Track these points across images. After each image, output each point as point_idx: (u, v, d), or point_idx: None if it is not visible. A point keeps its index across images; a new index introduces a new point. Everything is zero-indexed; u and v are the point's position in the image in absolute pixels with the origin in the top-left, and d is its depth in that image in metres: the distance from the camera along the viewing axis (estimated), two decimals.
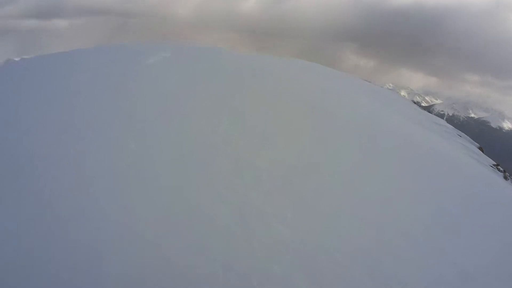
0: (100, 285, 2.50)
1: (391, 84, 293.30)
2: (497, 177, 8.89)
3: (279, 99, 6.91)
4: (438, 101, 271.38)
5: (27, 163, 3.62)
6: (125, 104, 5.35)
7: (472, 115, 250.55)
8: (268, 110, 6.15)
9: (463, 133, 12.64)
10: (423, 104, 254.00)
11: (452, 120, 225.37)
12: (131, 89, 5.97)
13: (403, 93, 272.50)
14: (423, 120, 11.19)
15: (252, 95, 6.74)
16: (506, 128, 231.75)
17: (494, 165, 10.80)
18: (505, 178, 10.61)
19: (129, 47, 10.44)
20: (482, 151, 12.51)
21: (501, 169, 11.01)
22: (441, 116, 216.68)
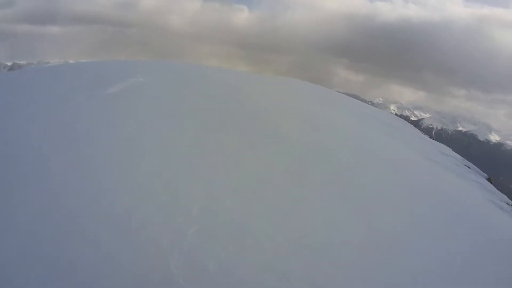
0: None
1: (381, 99, 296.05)
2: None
3: (260, 131, 5.85)
4: (427, 115, 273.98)
5: None
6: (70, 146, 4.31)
7: (460, 129, 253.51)
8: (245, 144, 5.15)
9: (471, 164, 11.56)
10: (412, 118, 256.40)
11: (441, 134, 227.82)
12: (79, 127, 4.78)
13: (392, 107, 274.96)
14: (430, 151, 10.07)
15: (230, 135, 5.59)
16: (493, 141, 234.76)
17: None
18: None
19: (101, 67, 9.23)
20: (491, 182, 11.62)
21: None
22: (430, 130, 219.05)
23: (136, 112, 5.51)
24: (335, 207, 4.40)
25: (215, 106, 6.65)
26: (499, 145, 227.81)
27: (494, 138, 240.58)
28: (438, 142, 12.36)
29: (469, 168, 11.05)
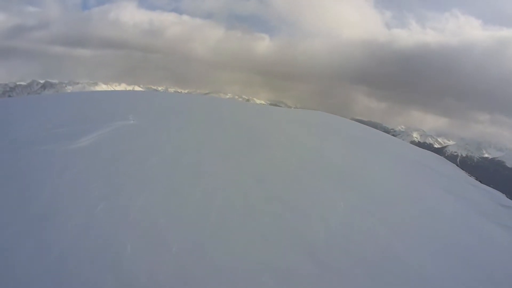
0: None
1: (403, 126, 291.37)
2: None
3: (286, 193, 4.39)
4: (451, 142, 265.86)
5: None
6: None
7: (486, 155, 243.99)
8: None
9: None
10: (436, 145, 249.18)
11: (466, 161, 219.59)
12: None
13: (415, 134, 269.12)
14: (486, 204, 8.21)
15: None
16: None
17: None
18: None
19: (91, 101, 8.10)
20: None
21: None
22: (454, 157, 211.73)
23: (105, 185, 4.02)
24: None
25: (229, 160, 5.22)
26: None
27: None
28: (491, 189, 10.38)
29: None
